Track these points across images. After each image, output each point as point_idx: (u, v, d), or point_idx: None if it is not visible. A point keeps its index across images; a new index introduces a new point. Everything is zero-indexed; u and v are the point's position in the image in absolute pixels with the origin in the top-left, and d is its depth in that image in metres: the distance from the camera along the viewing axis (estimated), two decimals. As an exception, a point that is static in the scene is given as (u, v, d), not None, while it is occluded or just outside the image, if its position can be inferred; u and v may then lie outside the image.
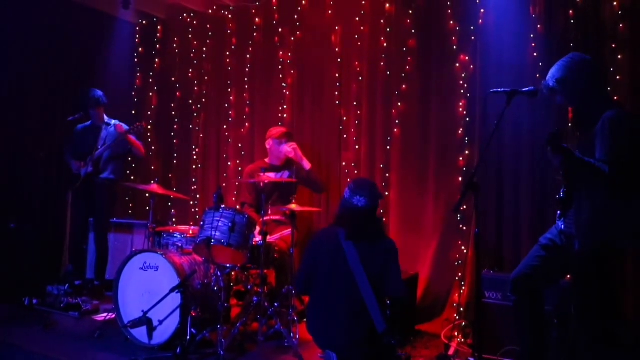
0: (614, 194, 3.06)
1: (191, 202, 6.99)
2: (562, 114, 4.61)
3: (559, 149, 3.00)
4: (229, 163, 6.82)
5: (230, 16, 6.90)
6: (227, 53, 6.89)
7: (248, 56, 6.73)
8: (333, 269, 3.35)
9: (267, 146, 5.68)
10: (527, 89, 3.33)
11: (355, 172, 5.84)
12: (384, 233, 3.62)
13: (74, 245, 6.07)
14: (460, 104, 5.28)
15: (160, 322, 4.15)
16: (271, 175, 5.42)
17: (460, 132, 5.27)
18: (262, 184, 4.90)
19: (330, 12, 6.10)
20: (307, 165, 5.55)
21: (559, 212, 3.40)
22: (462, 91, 5.27)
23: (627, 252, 4.28)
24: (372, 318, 3.19)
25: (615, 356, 3.16)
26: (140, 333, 4.29)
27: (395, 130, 5.64)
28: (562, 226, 3.34)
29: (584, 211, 3.13)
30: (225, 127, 6.89)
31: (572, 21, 4.69)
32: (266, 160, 5.72)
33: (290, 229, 4.74)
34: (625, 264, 4.34)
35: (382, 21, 5.76)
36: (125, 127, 5.77)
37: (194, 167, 7.13)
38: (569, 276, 3.83)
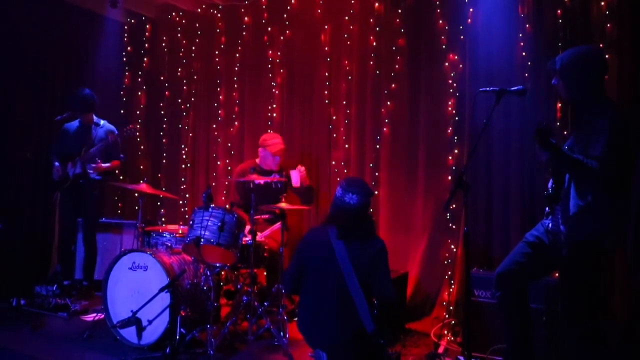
0: (601, 191, 3.07)
1: (180, 202, 6.98)
2: (550, 113, 4.64)
3: (547, 144, 3.01)
4: (219, 162, 6.81)
5: (219, 15, 6.89)
6: (217, 52, 6.87)
7: (237, 55, 6.72)
8: (323, 268, 3.35)
9: (260, 153, 5.61)
10: (515, 87, 3.34)
11: (345, 171, 5.85)
12: (374, 232, 3.62)
13: (62, 246, 6.02)
14: (450, 102, 5.29)
15: (150, 322, 4.15)
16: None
17: (449, 130, 5.29)
18: (251, 185, 4.88)
19: (319, 11, 6.11)
20: (306, 182, 5.50)
21: (547, 209, 3.42)
22: (451, 90, 5.29)
23: (615, 252, 4.31)
24: (361, 318, 3.19)
25: (603, 355, 3.18)
26: (129, 333, 4.28)
27: (385, 129, 5.65)
28: (550, 225, 3.35)
29: (571, 208, 3.14)
30: (214, 126, 6.88)
31: (561, 21, 4.71)
32: (257, 161, 5.70)
33: (280, 224, 4.74)
34: (613, 262, 4.37)
35: (371, 20, 5.77)
36: (115, 132, 5.75)
37: (183, 166, 7.11)
38: (557, 274, 3.85)
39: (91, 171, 5.65)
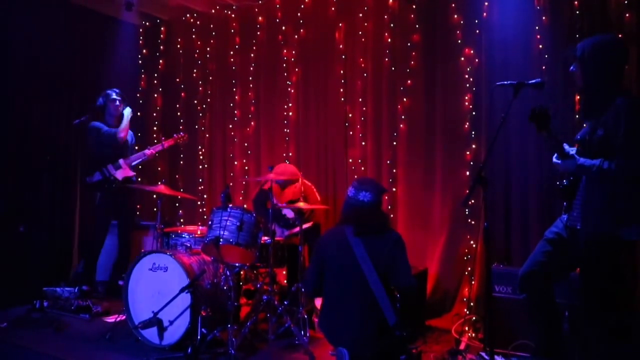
0: (623, 183, 3.02)
1: (198, 202, 7.01)
2: (569, 105, 4.58)
3: (545, 128, 2.99)
4: (235, 162, 6.83)
5: (233, 15, 6.91)
6: (231, 52, 6.89)
7: (252, 55, 6.74)
8: (342, 266, 3.36)
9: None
10: (533, 81, 3.29)
11: (362, 168, 5.84)
12: (389, 226, 3.62)
13: (95, 248, 5.96)
14: (466, 97, 5.26)
15: (171, 323, 4.18)
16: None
17: (466, 126, 5.25)
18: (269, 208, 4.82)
19: (333, 9, 6.10)
20: None
21: (565, 203, 3.37)
22: (467, 85, 5.25)
23: (637, 244, 4.25)
24: (383, 311, 3.19)
25: (625, 350, 3.14)
26: (151, 334, 4.32)
27: (401, 125, 5.63)
28: (568, 220, 3.30)
29: (594, 199, 3.09)
30: (230, 126, 6.90)
31: (578, 12, 4.65)
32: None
33: (309, 224, 4.73)
34: (636, 255, 4.31)
35: (385, 17, 5.75)
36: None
37: (200, 167, 7.14)
38: (578, 269, 3.81)
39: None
